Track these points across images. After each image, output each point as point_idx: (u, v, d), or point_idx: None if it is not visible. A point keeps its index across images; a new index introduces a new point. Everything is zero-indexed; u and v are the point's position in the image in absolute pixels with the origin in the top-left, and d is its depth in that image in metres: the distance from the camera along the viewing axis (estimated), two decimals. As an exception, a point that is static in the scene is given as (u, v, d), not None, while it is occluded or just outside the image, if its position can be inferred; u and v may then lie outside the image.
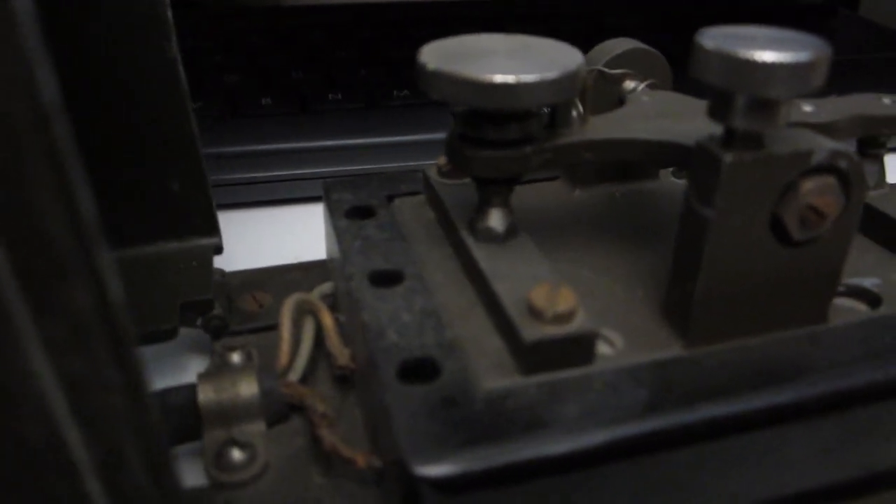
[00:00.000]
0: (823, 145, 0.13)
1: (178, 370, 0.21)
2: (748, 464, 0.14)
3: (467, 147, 0.15)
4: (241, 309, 0.21)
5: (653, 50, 0.19)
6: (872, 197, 0.19)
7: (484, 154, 0.15)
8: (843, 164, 0.13)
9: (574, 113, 0.16)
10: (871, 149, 0.19)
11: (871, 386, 0.14)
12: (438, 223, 0.19)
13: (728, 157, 0.13)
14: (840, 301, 0.17)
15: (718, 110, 0.13)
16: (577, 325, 0.14)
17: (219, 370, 0.18)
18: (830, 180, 0.13)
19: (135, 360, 0.09)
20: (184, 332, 0.20)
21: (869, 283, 0.17)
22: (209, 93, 0.34)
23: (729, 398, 0.13)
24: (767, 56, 0.12)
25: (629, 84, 0.19)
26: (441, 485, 0.12)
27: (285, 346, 0.18)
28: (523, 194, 0.20)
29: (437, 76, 0.14)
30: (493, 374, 0.14)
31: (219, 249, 0.22)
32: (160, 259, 0.20)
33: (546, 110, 0.16)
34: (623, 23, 0.45)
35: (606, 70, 0.19)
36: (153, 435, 0.09)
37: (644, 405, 0.13)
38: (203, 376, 0.17)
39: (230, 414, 0.16)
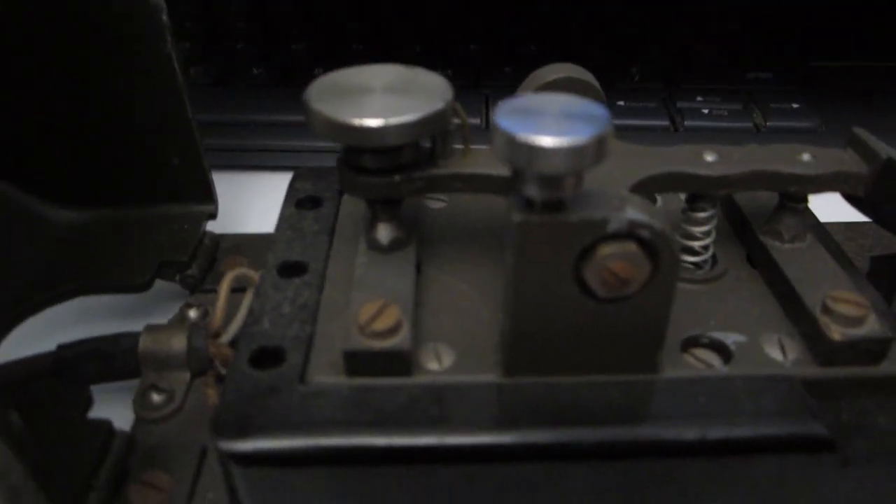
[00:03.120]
0: (622, 214, 0.14)
1: (168, 313, 0.25)
2: (512, 498, 0.15)
3: (346, 171, 0.17)
4: (220, 270, 0.25)
5: (585, 79, 0.20)
6: (785, 251, 0.19)
7: (358, 179, 0.17)
8: (644, 233, 0.14)
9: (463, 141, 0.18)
10: (790, 202, 0.18)
11: (654, 444, 0.15)
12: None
13: (517, 218, 0.14)
14: (699, 352, 0.17)
15: (513, 180, 0.14)
16: (395, 342, 0.16)
17: (168, 323, 0.21)
18: (631, 247, 0.14)
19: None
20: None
21: (732, 339, 0.17)
22: (276, 59, 0.37)
23: (501, 429, 0.15)
24: (545, 141, 0.13)
25: (561, 110, 0.20)
26: (235, 458, 0.15)
27: (219, 312, 0.21)
28: (472, 200, 0.22)
29: (312, 113, 0.16)
30: (325, 370, 0.16)
31: (213, 216, 0.25)
32: (159, 220, 0.24)
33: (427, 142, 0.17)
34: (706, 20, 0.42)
35: (535, 96, 0.20)
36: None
37: (424, 421, 0.15)
38: (148, 328, 0.21)
39: (162, 362, 0.20)
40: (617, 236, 0.14)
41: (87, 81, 0.22)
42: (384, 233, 0.18)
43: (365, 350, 0.16)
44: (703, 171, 0.17)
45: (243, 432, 0.15)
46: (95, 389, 0.21)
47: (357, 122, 0.15)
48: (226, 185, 0.33)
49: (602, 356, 0.16)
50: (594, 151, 0.13)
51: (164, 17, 0.22)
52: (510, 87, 0.34)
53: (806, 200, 0.19)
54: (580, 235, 0.14)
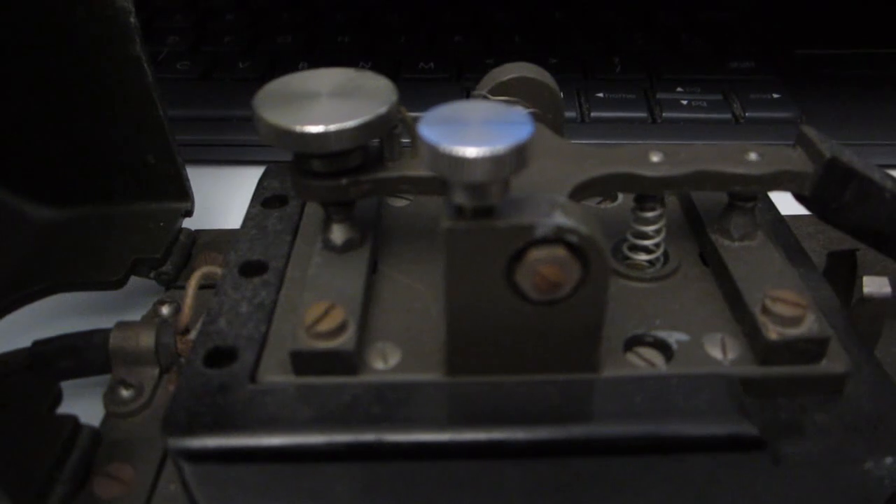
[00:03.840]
0: (550, 220, 0.14)
1: (146, 309, 0.26)
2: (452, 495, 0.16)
3: (295, 175, 0.18)
4: (194, 266, 0.25)
5: (540, 78, 0.20)
6: (733, 249, 0.19)
7: (306, 183, 0.18)
8: (572, 238, 0.14)
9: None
10: (738, 201, 0.19)
11: (587, 442, 0.15)
12: (331, 221, 0.22)
13: (445, 225, 0.14)
14: (643, 351, 0.17)
15: (444, 187, 0.14)
16: (339, 342, 0.16)
17: (141, 320, 0.22)
18: (560, 251, 0.14)
19: None
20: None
21: (675, 338, 0.17)
22: (263, 52, 0.38)
23: (438, 427, 0.15)
24: (465, 151, 0.13)
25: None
26: (183, 454, 0.15)
27: (187, 310, 0.21)
28: (436, 198, 0.22)
29: (257, 120, 0.17)
30: (275, 370, 0.17)
31: (188, 213, 0.26)
32: (135, 217, 0.25)
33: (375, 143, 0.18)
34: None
35: (489, 97, 0.20)
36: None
37: (364, 419, 0.15)
38: (119, 324, 0.21)
39: (132, 358, 0.21)
40: (545, 241, 0.14)
41: (59, 82, 0.23)
42: (338, 234, 0.19)
43: (310, 350, 0.16)
44: (647, 172, 0.18)
45: (191, 430, 0.15)
46: (74, 385, 0.22)
47: (298, 128, 0.16)
48: (211, 180, 0.33)
49: (541, 356, 0.16)
50: (514, 160, 0.13)
51: (133, 20, 0.22)
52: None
53: (755, 199, 0.19)
54: (509, 241, 0.14)
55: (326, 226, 0.19)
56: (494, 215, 0.14)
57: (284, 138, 0.16)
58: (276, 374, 0.17)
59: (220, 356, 0.17)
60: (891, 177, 0.19)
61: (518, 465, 0.15)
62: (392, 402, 0.16)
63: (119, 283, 0.23)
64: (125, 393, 0.20)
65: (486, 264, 0.15)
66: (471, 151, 0.13)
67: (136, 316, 0.24)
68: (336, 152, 0.17)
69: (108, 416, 0.20)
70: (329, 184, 0.17)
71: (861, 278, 0.20)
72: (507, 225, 0.14)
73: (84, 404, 0.21)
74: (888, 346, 0.21)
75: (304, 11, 0.41)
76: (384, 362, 0.17)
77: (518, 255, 0.15)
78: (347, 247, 0.19)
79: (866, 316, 0.20)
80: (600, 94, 0.33)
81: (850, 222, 0.18)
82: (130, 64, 0.23)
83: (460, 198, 0.14)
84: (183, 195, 0.26)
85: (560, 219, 0.14)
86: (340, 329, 0.16)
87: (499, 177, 0.13)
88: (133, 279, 0.25)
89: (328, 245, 0.19)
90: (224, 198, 0.32)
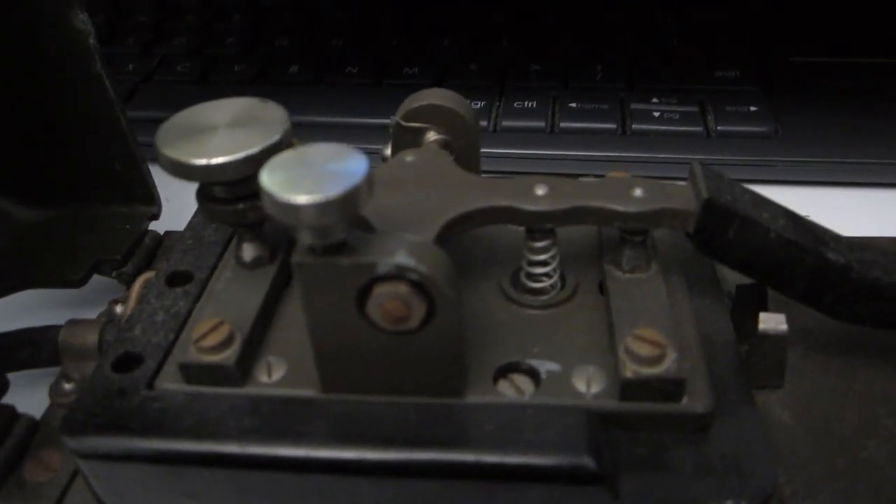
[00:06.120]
0: (390, 259, 0.15)
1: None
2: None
3: (199, 199, 0.19)
4: (155, 267, 0.27)
5: (453, 106, 0.21)
6: (620, 281, 0.19)
7: (208, 207, 0.19)
8: (412, 276, 0.15)
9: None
10: (626, 234, 0.19)
11: (431, 464, 0.16)
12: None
13: (296, 259, 0.15)
14: (517, 378, 0.18)
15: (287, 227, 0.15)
16: (222, 356, 0.18)
17: (97, 318, 0.24)
18: (401, 288, 0.15)
19: None
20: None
21: (546, 367, 0.18)
22: (260, 55, 0.39)
23: (296, 441, 0.16)
24: (300, 199, 0.14)
25: (431, 136, 0.21)
26: (75, 451, 0.17)
27: (128, 311, 0.23)
28: None
29: (157, 152, 0.18)
30: (171, 378, 0.18)
31: (155, 216, 0.28)
32: (103, 220, 0.27)
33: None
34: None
35: (402, 122, 0.21)
36: None
37: (235, 429, 0.17)
38: (70, 322, 0.23)
39: (78, 353, 0.23)
40: (388, 278, 0.15)
41: (31, 99, 0.25)
42: (247, 252, 0.20)
43: (195, 363, 0.18)
44: (527, 206, 0.18)
45: (84, 430, 0.17)
46: (34, 375, 0.24)
47: (186, 161, 0.17)
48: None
49: (406, 379, 0.17)
50: (344, 205, 0.14)
51: (92, 41, 0.24)
52: (475, 87, 0.35)
53: (646, 233, 0.19)
54: (354, 277, 0.15)
55: (238, 244, 0.20)
56: (343, 251, 0.15)
57: (177, 169, 0.18)
58: (171, 383, 0.18)
59: (129, 362, 0.19)
60: (784, 212, 0.19)
61: (371, 482, 0.17)
62: (264, 415, 0.17)
63: (80, 283, 0.25)
64: (67, 386, 0.22)
65: (338, 296, 0.16)
66: (300, 199, 0.14)
67: (97, 313, 0.26)
68: (232, 180, 0.18)
69: (51, 406, 0.22)
70: (227, 209, 0.19)
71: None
72: (351, 263, 0.15)
73: (40, 394, 0.23)
74: (800, 380, 0.21)
75: (304, 14, 0.42)
76: (268, 376, 0.18)
77: (366, 289, 0.16)
78: (256, 264, 0.20)
79: (766, 352, 0.20)
80: (573, 105, 0.33)
81: (736, 260, 0.18)
82: (93, 81, 0.24)
83: (304, 238, 0.15)
84: (150, 199, 0.27)
85: (401, 258, 0.15)
86: (225, 344, 0.18)
87: (330, 221, 0.14)
88: (102, 279, 0.27)
89: (239, 261, 0.20)
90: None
